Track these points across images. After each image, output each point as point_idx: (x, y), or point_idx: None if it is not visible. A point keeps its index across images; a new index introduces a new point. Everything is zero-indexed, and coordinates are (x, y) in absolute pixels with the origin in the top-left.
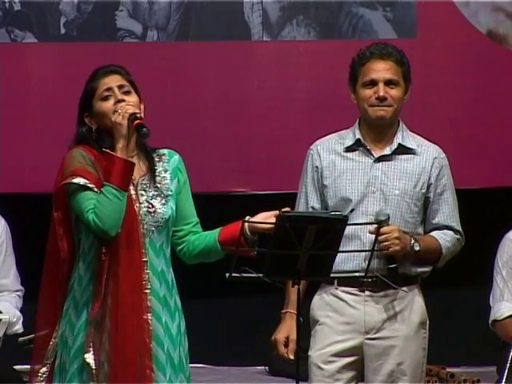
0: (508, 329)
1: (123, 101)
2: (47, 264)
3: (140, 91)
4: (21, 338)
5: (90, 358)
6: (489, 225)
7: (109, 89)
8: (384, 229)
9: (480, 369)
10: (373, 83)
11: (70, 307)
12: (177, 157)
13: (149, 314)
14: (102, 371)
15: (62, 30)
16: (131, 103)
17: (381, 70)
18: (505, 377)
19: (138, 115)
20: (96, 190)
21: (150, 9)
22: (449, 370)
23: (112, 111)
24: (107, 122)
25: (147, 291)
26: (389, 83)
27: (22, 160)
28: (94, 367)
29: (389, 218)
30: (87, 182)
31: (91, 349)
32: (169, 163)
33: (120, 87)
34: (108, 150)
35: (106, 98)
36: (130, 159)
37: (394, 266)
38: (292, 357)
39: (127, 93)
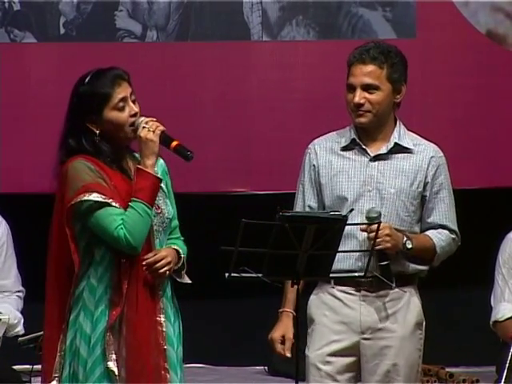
0: (509, 330)
1: (137, 114)
2: (50, 274)
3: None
4: (20, 338)
5: (113, 365)
6: (489, 225)
7: (124, 99)
8: (374, 226)
9: (479, 369)
10: (352, 88)
11: (80, 317)
12: (162, 161)
13: (162, 316)
14: (120, 377)
15: (62, 30)
16: (154, 119)
17: (358, 74)
18: (504, 377)
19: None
20: (115, 204)
21: (149, 9)
22: (448, 369)
23: (128, 124)
24: (119, 133)
25: (160, 292)
26: (367, 88)
27: (21, 160)
28: (117, 374)
29: (380, 215)
30: (104, 196)
31: (113, 356)
32: (156, 166)
33: (130, 96)
34: (142, 167)
35: (122, 109)
36: (125, 162)
37: (385, 263)
38: (289, 354)
39: (134, 102)
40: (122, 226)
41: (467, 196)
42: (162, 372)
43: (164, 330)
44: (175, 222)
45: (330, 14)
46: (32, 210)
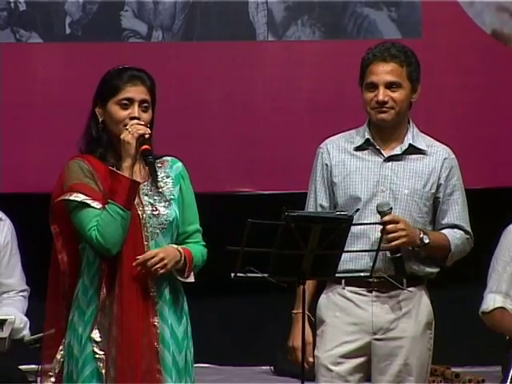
0: (494, 320)
1: (138, 118)
2: (50, 273)
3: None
4: (26, 338)
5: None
6: (494, 224)
7: (130, 99)
8: (390, 217)
9: (485, 368)
10: (374, 86)
11: (75, 317)
12: (180, 164)
13: (156, 318)
14: (109, 377)
15: (67, 30)
16: (142, 123)
17: (381, 72)
18: (510, 377)
19: (147, 136)
20: (96, 205)
21: (155, 9)
22: (454, 369)
23: (123, 123)
24: (113, 128)
25: (153, 294)
26: (390, 86)
27: (25, 159)
28: (104, 373)
29: (391, 208)
30: (87, 198)
31: (102, 356)
32: (171, 169)
33: (141, 102)
34: (114, 169)
35: (123, 107)
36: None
37: (398, 255)
38: (311, 359)
39: (145, 109)
40: (95, 227)
41: (471, 196)
42: (156, 374)
43: (158, 331)
44: (195, 227)
45: (336, 14)
46: (35, 210)
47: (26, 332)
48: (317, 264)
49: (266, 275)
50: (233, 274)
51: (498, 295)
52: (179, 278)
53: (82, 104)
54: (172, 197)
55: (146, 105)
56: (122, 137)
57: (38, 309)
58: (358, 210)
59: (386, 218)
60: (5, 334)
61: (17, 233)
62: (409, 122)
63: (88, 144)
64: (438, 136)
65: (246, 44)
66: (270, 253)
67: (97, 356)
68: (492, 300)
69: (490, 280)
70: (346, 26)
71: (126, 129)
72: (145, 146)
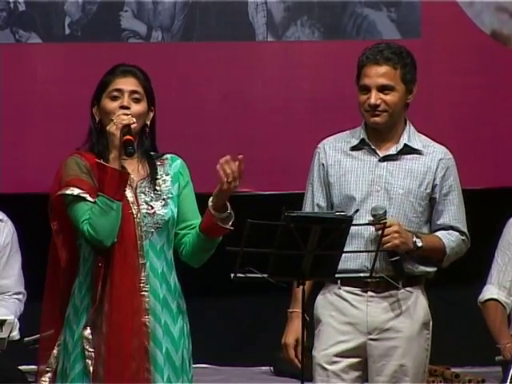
0: (484, 312)
1: (127, 108)
2: (49, 271)
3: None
4: (26, 339)
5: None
6: (494, 225)
7: (119, 90)
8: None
9: (485, 369)
10: (367, 89)
11: (71, 314)
12: (179, 161)
13: (147, 316)
14: (97, 375)
15: (67, 31)
16: (128, 113)
17: (374, 75)
18: (509, 377)
19: (133, 126)
20: (91, 199)
21: (154, 9)
22: (453, 370)
23: (114, 114)
24: (106, 121)
25: (145, 293)
26: (383, 89)
27: (25, 159)
28: (92, 371)
29: (386, 211)
30: (81, 191)
31: (92, 354)
32: (171, 167)
33: (131, 93)
34: (101, 161)
35: (113, 98)
36: (129, 162)
37: (396, 258)
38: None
39: (136, 100)
40: (87, 220)
41: (471, 196)
42: (145, 373)
43: (149, 330)
44: (195, 222)
45: (335, 14)
46: (35, 210)
47: (14, 333)
48: (316, 264)
49: (265, 275)
50: (232, 275)
51: (494, 286)
52: (222, 224)
53: (82, 104)
54: (170, 195)
55: (136, 96)
56: (107, 128)
57: (38, 309)
58: (357, 210)
59: (386, 225)
60: (4, 334)
61: (19, 234)
62: (405, 123)
63: (87, 142)
64: (438, 136)
65: (246, 44)
66: (269, 253)
67: (86, 353)
68: (487, 291)
69: (489, 270)
70: (345, 26)
71: (112, 120)
72: (127, 137)
